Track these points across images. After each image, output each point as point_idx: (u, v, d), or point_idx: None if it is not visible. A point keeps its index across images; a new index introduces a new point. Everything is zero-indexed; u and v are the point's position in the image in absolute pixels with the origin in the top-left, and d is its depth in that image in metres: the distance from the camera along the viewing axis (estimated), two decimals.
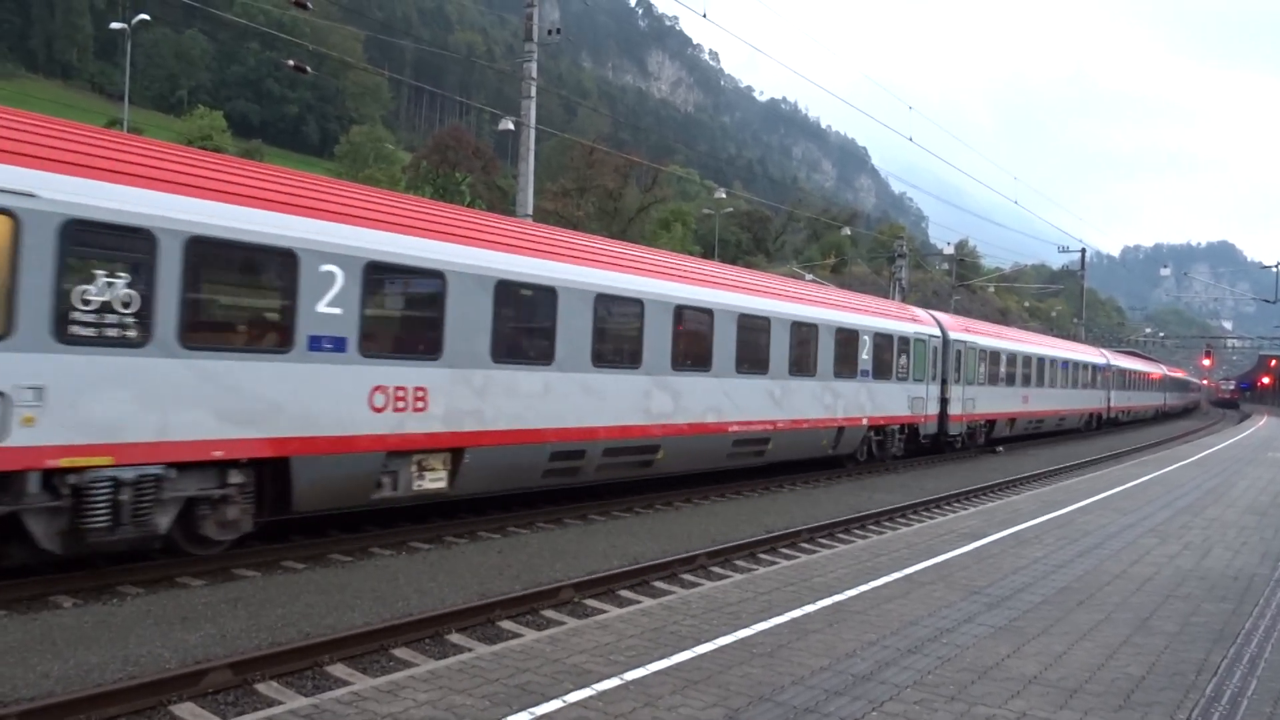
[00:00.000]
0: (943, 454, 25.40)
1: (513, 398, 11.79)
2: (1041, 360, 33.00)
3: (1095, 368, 41.08)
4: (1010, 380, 29.57)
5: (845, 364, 19.21)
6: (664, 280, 14.59)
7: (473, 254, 11.41)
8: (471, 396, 11.25)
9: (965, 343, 25.78)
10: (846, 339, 19.33)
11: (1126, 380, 47.83)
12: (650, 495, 15.25)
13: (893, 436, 21.79)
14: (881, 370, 20.73)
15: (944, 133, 56.32)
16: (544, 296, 12.40)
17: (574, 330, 12.75)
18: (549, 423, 12.30)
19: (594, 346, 13.04)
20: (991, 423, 28.06)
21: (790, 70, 31.02)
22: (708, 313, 15.18)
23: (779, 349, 16.99)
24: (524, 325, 12.55)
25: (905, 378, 21.94)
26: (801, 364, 17.73)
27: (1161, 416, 61.90)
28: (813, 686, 5.48)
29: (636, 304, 13.88)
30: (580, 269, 13.01)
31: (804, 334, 17.87)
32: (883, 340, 20.88)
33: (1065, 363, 36.16)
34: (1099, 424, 42.95)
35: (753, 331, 16.35)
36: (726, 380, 15.51)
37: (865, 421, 20.08)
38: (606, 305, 13.37)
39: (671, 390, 14.31)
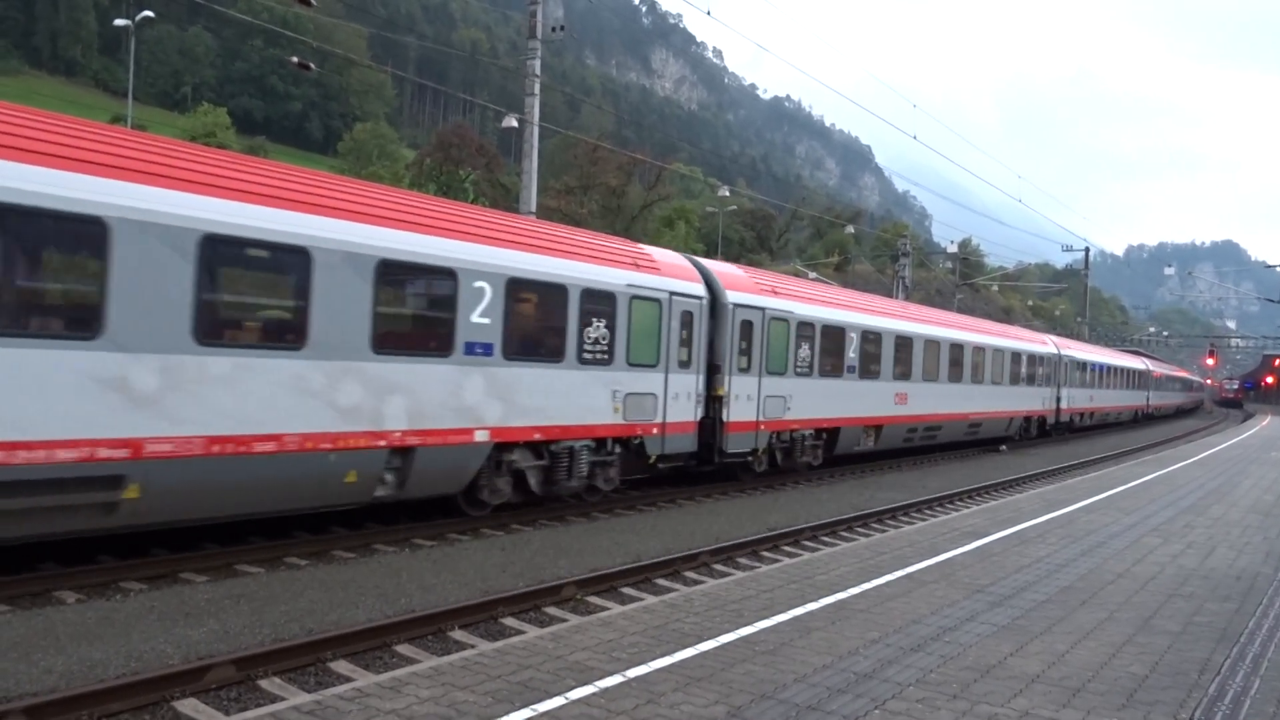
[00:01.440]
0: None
1: None
2: (933, 344, 23.13)
3: (1037, 358, 31.72)
4: (870, 371, 20.32)
5: (415, 330, 11.19)
6: None
7: None
8: None
9: (765, 311, 16.71)
10: (413, 282, 11.10)
11: (1089, 375, 38.88)
12: (653, 493, 15.25)
13: (573, 460, 13.00)
14: (538, 348, 12.41)
15: (948, 131, 56.33)
16: None
17: None
18: None
19: None
20: (832, 431, 19.17)
21: (794, 68, 31.09)
22: None
23: (146, 292, 8.42)
24: None
25: (604, 360, 13.28)
26: (249, 325, 9.69)
27: (1145, 418, 53.65)
28: (815, 684, 5.49)
29: None
30: None
31: (256, 265, 9.70)
32: (536, 293, 12.43)
33: (979, 349, 26.25)
34: (1043, 430, 33.77)
35: (52, 251, 8.36)
36: None
37: (486, 436, 11.62)
38: None
39: None
